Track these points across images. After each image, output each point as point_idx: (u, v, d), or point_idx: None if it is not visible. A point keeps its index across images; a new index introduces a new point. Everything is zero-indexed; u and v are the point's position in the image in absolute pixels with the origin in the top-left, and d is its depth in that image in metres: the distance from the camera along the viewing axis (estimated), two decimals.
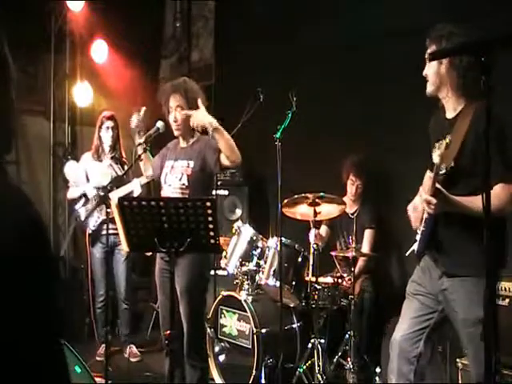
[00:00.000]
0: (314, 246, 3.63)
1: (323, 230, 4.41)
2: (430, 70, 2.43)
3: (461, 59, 2.32)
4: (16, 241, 0.83)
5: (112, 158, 4.50)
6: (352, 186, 4.27)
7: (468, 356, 2.39)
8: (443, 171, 2.28)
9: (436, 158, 2.24)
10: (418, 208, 2.44)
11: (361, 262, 4.13)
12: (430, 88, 2.45)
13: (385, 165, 4.36)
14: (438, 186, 2.21)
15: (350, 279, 3.83)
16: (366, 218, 4.20)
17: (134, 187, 4.12)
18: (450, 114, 2.45)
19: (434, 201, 2.22)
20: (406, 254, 2.56)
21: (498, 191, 2.21)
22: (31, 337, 0.83)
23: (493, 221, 2.24)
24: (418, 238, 2.45)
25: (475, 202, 2.20)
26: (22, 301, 0.82)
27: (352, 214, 4.24)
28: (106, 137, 4.45)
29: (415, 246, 2.48)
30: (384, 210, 4.29)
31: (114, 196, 3.10)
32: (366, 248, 4.14)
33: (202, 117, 3.06)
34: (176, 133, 3.26)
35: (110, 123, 4.45)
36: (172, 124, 3.23)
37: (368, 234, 4.19)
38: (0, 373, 0.81)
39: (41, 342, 0.85)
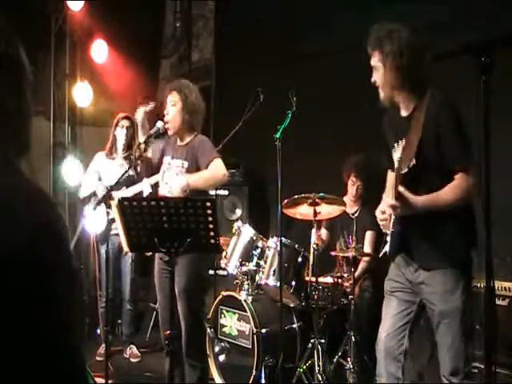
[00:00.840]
0: (314, 246, 3.62)
1: (323, 233, 4.40)
2: (376, 76, 2.42)
3: (401, 60, 2.30)
4: (36, 239, 0.84)
5: (125, 157, 4.51)
6: (352, 186, 4.26)
7: (441, 348, 2.37)
8: (405, 170, 2.28)
9: (397, 158, 2.25)
10: (386, 212, 2.43)
11: (363, 263, 4.11)
12: (381, 94, 2.43)
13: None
14: (400, 189, 2.20)
15: (349, 279, 3.83)
16: (368, 219, 4.17)
17: (144, 187, 4.12)
18: (404, 112, 2.46)
19: (397, 205, 2.22)
20: (379, 256, 2.56)
21: (458, 181, 2.25)
22: (47, 335, 0.84)
23: (460, 210, 2.28)
24: (388, 239, 2.46)
25: (439, 197, 2.24)
26: (42, 296, 0.84)
27: (353, 215, 4.22)
28: (121, 135, 4.47)
29: (387, 248, 2.48)
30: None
31: (117, 196, 3.10)
32: (367, 250, 4.13)
33: (176, 185, 3.12)
34: (170, 132, 3.26)
35: (125, 122, 4.48)
36: (165, 118, 3.25)
37: (369, 235, 4.17)
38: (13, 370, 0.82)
39: (55, 340, 0.85)
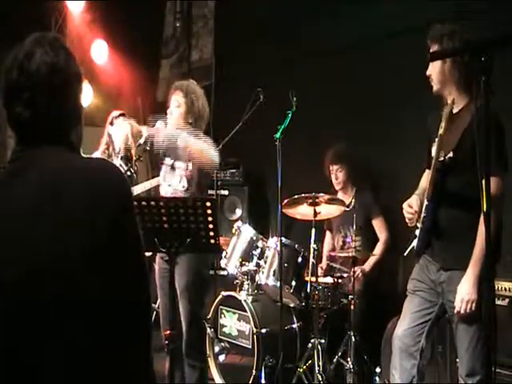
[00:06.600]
0: (314, 246, 3.62)
1: (328, 236, 4.40)
2: (434, 69, 2.45)
3: (463, 57, 2.34)
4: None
5: (121, 158, 4.44)
6: (333, 174, 4.20)
7: (459, 349, 2.39)
8: (441, 158, 2.34)
9: (434, 152, 2.26)
10: (414, 207, 2.45)
11: (373, 257, 4.04)
12: (435, 87, 2.48)
13: (384, 164, 4.34)
14: None
15: (350, 279, 3.83)
16: (368, 207, 4.10)
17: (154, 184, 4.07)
18: (453, 110, 2.47)
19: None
20: (405, 254, 2.56)
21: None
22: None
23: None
24: (417, 233, 2.46)
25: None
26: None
27: (348, 207, 3.83)
28: (117, 135, 4.39)
29: (415, 243, 2.48)
30: (382, 210, 4.27)
31: None
32: (383, 238, 4.07)
33: None
34: None
35: (121, 121, 4.40)
36: (168, 119, 3.24)
37: (379, 222, 4.10)
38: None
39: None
